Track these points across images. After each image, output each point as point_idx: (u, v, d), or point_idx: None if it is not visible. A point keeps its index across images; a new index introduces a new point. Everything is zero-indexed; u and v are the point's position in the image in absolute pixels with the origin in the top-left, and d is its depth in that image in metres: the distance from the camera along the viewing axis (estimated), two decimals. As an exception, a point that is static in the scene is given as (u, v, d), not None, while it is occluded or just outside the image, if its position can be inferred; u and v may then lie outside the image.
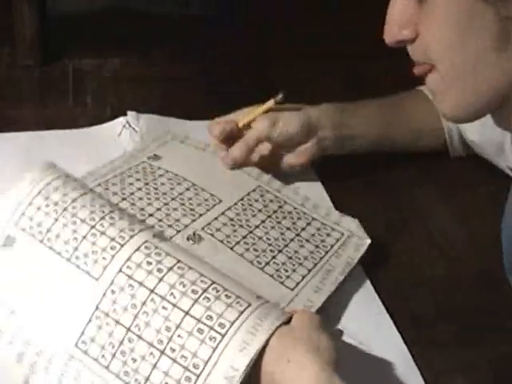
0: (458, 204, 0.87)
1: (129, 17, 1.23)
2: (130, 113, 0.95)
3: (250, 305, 0.56)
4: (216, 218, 0.76)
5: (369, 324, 0.71)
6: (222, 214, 0.77)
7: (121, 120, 0.94)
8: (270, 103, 0.84)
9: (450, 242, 0.84)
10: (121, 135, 0.92)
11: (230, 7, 1.34)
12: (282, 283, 0.71)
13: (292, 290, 0.71)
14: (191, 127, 0.97)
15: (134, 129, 0.93)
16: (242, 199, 0.80)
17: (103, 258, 0.59)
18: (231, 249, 0.73)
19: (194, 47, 1.19)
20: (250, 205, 0.80)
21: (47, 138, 0.90)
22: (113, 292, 0.58)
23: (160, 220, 0.74)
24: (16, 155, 0.86)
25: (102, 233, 0.61)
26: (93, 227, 0.61)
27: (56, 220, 0.62)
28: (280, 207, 0.81)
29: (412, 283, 0.78)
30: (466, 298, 0.71)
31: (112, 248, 0.60)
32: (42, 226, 0.62)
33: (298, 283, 0.71)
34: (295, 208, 0.82)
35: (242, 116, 0.86)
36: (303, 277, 0.72)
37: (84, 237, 0.61)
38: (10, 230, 0.62)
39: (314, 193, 0.87)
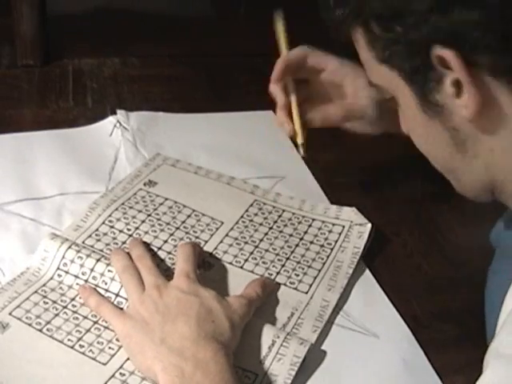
0: (459, 204, 0.87)
1: (129, 17, 1.23)
2: (119, 111, 0.95)
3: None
4: (221, 241, 0.77)
5: (373, 312, 0.72)
6: (226, 235, 0.78)
7: (110, 119, 0.94)
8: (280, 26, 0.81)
9: (451, 242, 0.84)
10: (112, 135, 0.92)
11: (230, 7, 1.34)
12: (295, 289, 0.72)
13: (306, 293, 0.72)
14: (180, 121, 0.98)
15: (124, 127, 0.93)
16: (242, 217, 0.81)
17: (109, 347, 0.63)
18: (241, 268, 0.74)
19: (193, 47, 1.19)
20: (251, 220, 0.81)
21: (37, 139, 0.89)
22: (122, 374, 0.60)
23: (169, 252, 0.74)
24: (8, 156, 0.86)
25: (106, 327, 0.64)
26: (96, 322, 0.65)
27: (56, 315, 0.65)
28: (279, 216, 0.82)
29: (412, 283, 0.78)
30: (466, 298, 0.71)
31: (118, 339, 0.63)
32: (41, 318, 0.64)
33: (310, 285, 0.73)
34: (294, 213, 0.82)
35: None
36: (314, 278, 0.74)
37: (88, 330, 0.64)
38: (2, 317, 0.64)
39: (310, 194, 0.87)
